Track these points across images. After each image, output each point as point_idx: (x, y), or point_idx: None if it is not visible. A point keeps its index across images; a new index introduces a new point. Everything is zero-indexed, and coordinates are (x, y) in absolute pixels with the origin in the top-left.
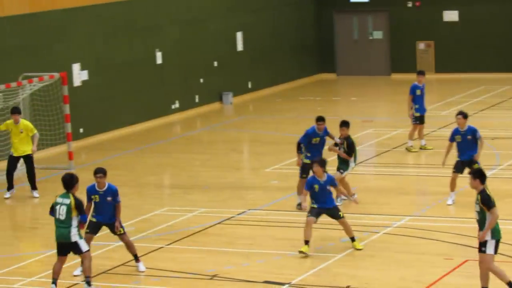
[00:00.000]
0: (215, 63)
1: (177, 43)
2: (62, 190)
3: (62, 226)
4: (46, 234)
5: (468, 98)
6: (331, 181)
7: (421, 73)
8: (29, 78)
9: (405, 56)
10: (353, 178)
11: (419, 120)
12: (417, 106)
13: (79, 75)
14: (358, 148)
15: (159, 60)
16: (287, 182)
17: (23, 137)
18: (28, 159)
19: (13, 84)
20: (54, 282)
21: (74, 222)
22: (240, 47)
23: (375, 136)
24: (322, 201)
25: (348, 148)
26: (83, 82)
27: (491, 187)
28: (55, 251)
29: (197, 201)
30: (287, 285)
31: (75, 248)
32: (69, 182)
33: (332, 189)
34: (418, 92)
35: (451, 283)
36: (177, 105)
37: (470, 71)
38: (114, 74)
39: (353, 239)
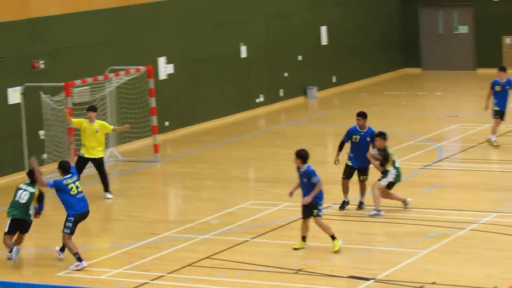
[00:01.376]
0: (300, 57)
1: (262, 37)
2: (146, 183)
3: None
4: (133, 226)
5: None
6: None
7: (502, 69)
8: (115, 71)
9: (491, 50)
10: (438, 174)
11: (498, 114)
12: (495, 101)
13: (165, 69)
14: (443, 143)
15: (244, 54)
16: (372, 176)
17: (98, 137)
18: (99, 163)
19: (100, 78)
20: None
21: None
22: (324, 41)
23: (460, 132)
24: None
25: (384, 159)
26: (169, 75)
27: None
28: (141, 243)
29: (281, 195)
30: (372, 280)
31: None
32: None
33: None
34: (497, 88)
35: None
36: (261, 99)
37: None
38: (199, 67)
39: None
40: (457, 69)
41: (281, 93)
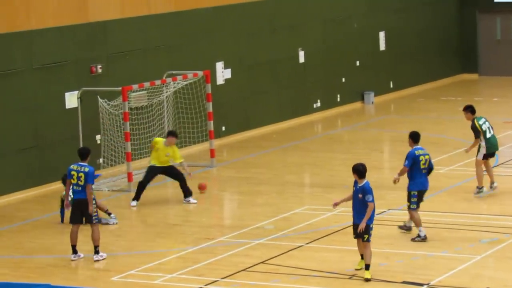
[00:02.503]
0: (357, 63)
1: (320, 42)
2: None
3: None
4: (188, 231)
5: None
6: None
7: None
8: (173, 76)
9: None
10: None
11: None
12: None
13: (223, 74)
14: (499, 149)
15: (301, 59)
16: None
17: (165, 161)
18: (172, 170)
19: (158, 82)
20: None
21: None
22: (382, 46)
23: None
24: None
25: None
26: (226, 80)
27: None
28: (196, 247)
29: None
30: (426, 285)
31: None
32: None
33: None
34: None
35: None
36: (318, 104)
37: None
38: (256, 72)
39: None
40: None
41: (338, 98)
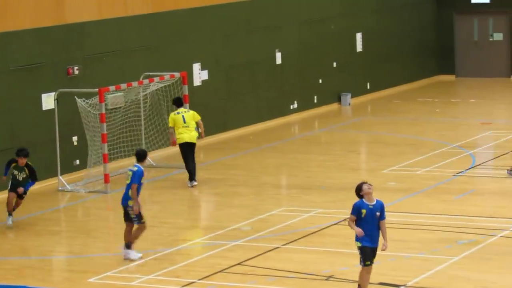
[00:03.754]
0: (334, 64)
1: (297, 43)
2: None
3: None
4: (165, 232)
5: None
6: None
7: None
8: (150, 77)
9: None
10: (470, 181)
11: None
12: None
13: (199, 75)
14: (476, 150)
15: (278, 61)
16: (404, 183)
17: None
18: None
19: (134, 83)
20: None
21: None
22: (359, 48)
23: (493, 139)
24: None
25: None
26: (203, 81)
27: None
28: (173, 249)
29: (313, 201)
30: (402, 287)
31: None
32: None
33: None
34: None
35: None
36: (295, 105)
37: None
38: (233, 74)
39: None
40: (491, 76)
41: (315, 100)
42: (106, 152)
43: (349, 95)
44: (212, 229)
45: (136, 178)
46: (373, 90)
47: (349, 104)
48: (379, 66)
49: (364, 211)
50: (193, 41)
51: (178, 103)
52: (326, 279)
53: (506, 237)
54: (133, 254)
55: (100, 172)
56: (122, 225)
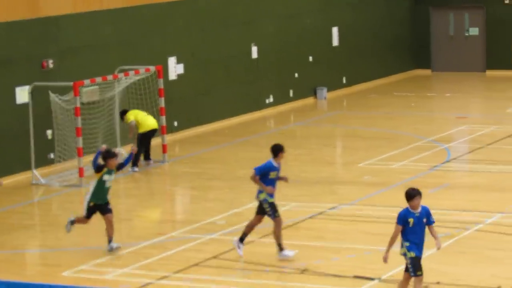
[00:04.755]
0: (310, 58)
1: (273, 37)
2: (153, 183)
3: None
4: (140, 226)
5: None
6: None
7: None
8: (125, 71)
9: (501, 53)
10: (445, 175)
11: None
12: None
13: (175, 69)
14: (451, 144)
15: (254, 55)
16: (379, 177)
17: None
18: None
19: (109, 77)
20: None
21: None
22: (335, 42)
23: (468, 133)
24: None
25: None
26: (179, 75)
27: None
28: (148, 242)
29: (288, 195)
30: (376, 280)
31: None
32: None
33: None
34: None
35: None
36: (271, 99)
37: None
38: (209, 68)
39: None
40: (467, 70)
41: (291, 94)
42: (80, 146)
43: (325, 89)
44: (187, 223)
45: (257, 170)
46: (349, 84)
47: (325, 98)
48: (355, 60)
49: (411, 220)
50: (169, 34)
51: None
52: (301, 273)
53: (480, 230)
54: (287, 252)
55: (75, 166)
56: (96, 219)
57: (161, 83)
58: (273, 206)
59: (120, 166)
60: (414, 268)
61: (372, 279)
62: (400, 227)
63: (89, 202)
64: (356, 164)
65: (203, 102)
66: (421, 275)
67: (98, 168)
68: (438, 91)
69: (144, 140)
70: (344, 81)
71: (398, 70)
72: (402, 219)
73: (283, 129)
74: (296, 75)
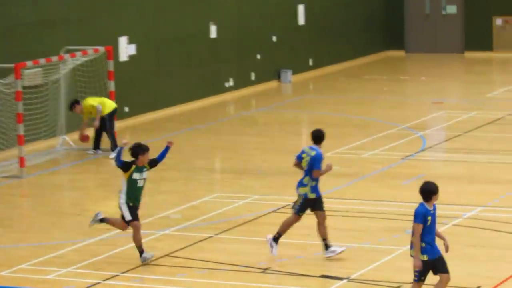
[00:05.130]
0: (274, 38)
1: (233, 16)
2: (101, 174)
3: None
4: (86, 221)
5: None
6: None
7: None
8: (71, 52)
9: (481, 32)
10: (420, 165)
11: None
12: None
13: (126, 50)
14: (427, 131)
15: (213, 34)
16: (349, 167)
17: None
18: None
19: (54, 58)
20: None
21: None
22: (301, 21)
23: (445, 119)
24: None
25: None
26: (131, 57)
27: None
28: (95, 239)
29: (250, 187)
30: (345, 280)
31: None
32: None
33: None
34: None
35: None
36: (231, 83)
37: None
38: (164, 48)
39: None
40: (444, 52)
41: (253, 77)
42: (22, 133)
43: (290, 72)
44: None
45: (317, 163)
46: (316, 67)
47: (289, 81)
48: (322, 40)
49: (430, 218)
50: (120, 12)
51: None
52: (262, 272)
53: (458, 225)
54: (338, 247)
55: (15, 156)
56: (39, 212)
57: (111, 65)
58: (305, 205)
59: (153, 162)
60: (420, 273)
61: (340, 278)
62: (421, 226)
63: (128, 202)
64: (324, 153)
65: (157, 85)
66: (423, 281)
67: (125, 166)
68: (412, 74)
69: (111, 121)
70: (311, 63)
71: (369, 51)
72: (422, 217)
73: (244, 115)
74: (259, 56)
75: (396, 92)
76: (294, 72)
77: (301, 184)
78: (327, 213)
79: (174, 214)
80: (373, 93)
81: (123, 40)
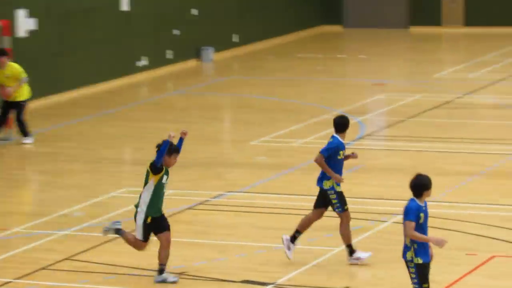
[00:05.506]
0: (193, 11)
1: None
2: None
3: None
4: None
5: (502, 58)
6: None
7: None
8: None
9: (428, 5)
10: (358, 155)
11: None
12: None
13: (25, 24)
14: (366, 116)
15: (124, 7)
16: (277, 158)
17: (10, 83)
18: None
19: None
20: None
21: None
22: None
23: (387, 103)
24: None
25: None
26: (30, 32)
27: None
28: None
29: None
30: (271, 285)
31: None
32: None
33: None
34: None
35: (474, 283)
36: (144, 62)
37: (505, 25)
38: (68, 23)
39: None
40: (386, 27)
41: (169, 55)
42: None
43: (211, 50)
44: (35, 216)
45: (324, 150)
46: (242, 44)
47: (211, 60)
48: (248, 14)
49: (422, 215)
50: None
51: None
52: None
53: (399, 223)
54: (361, 254)
55: None
56: None
57: (7, 42)
58: (341, 197)
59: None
60: (420, 278)
61: (265, 284)
62: (413, 224)
63: (145, 218)
64: (248, 142)
65: (60, 65)
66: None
67: (158, 168)
68: (350, 51)
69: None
70: (236, 39)
71: (301, 26)
72: (415, 213)
73: (159, 98)
74: (176, 32)
75: (332, 72)
76: (216, 50)
77: (324, 177)
78: (248, 209)
79: (76, 211)
80: (305, 74)
81: (21, 13)
